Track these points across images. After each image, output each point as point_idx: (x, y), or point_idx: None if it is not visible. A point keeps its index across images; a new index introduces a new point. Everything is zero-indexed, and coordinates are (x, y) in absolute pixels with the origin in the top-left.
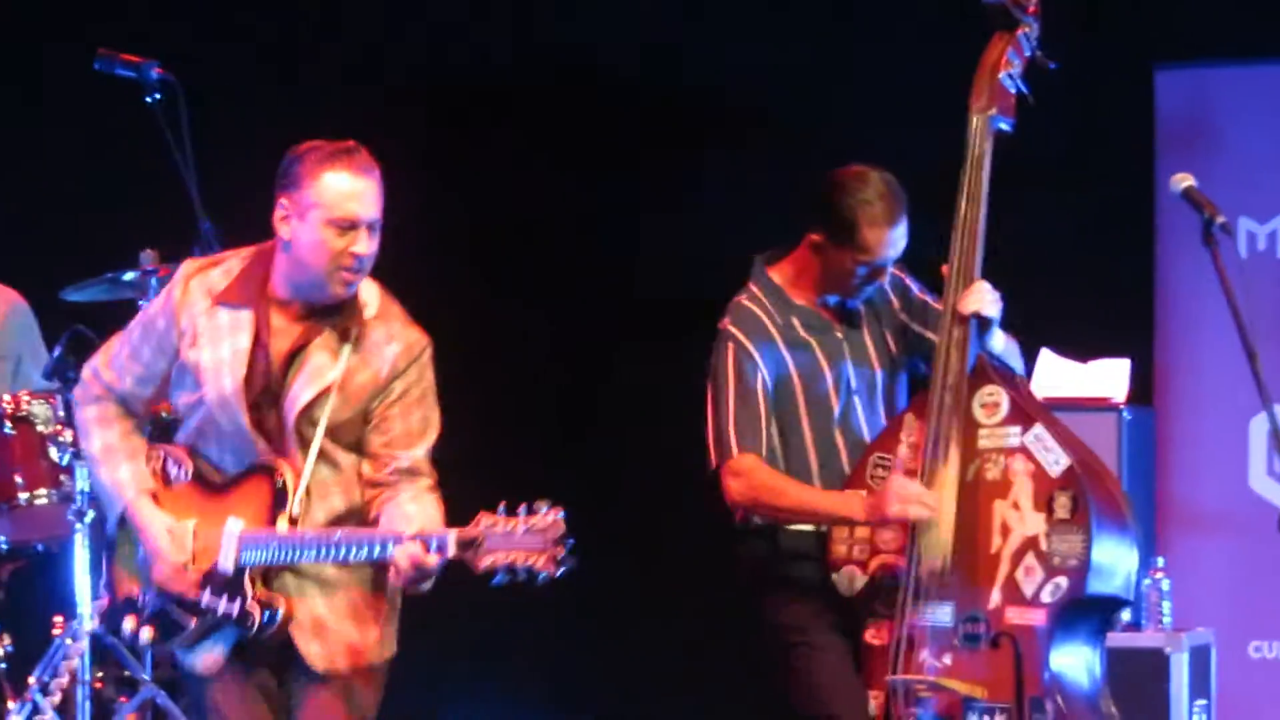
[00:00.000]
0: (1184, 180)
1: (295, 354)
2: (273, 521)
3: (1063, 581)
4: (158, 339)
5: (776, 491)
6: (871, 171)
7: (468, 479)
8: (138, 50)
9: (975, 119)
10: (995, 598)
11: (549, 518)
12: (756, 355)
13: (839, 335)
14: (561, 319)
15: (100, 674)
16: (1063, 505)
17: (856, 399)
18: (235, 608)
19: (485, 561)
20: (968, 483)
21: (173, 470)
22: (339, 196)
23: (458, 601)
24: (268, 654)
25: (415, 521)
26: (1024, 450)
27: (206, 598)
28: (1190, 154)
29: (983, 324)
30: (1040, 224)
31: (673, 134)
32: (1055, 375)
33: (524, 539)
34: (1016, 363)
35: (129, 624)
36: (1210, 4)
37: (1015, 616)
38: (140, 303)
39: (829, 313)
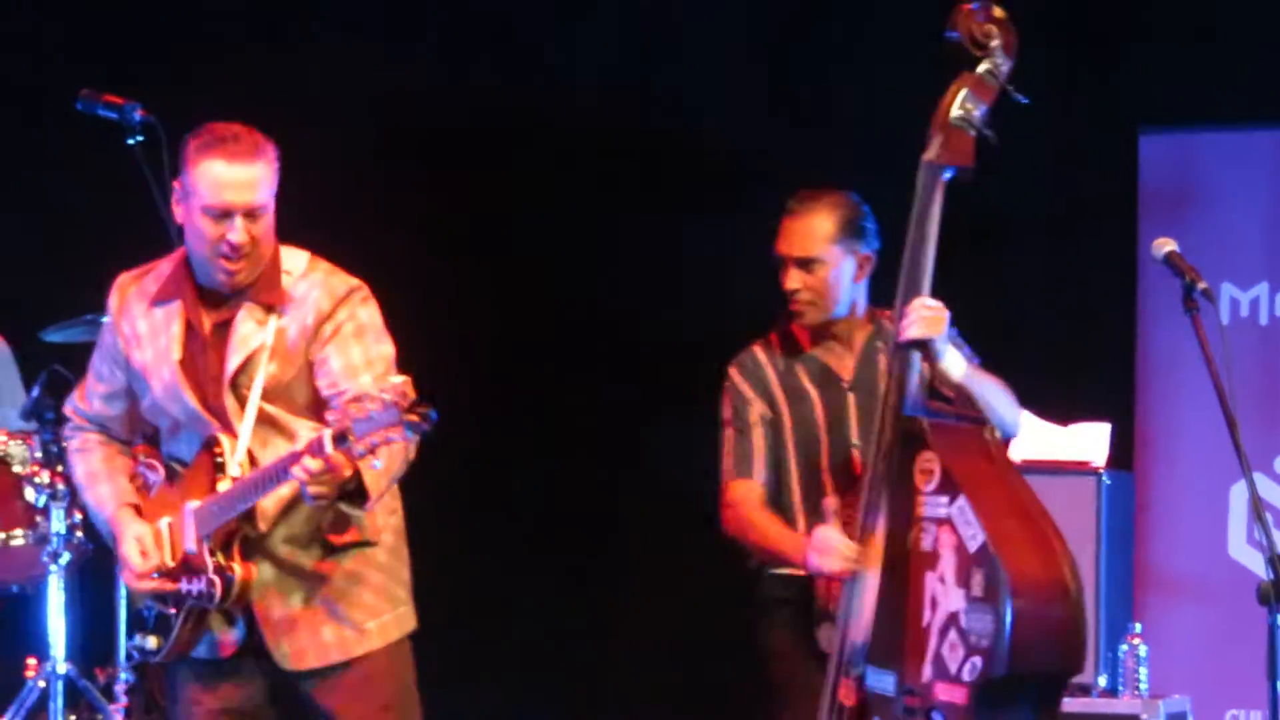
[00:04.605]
0: (1165, 245)
1: (223, 329)
2: (214, 489)
3: (978, 661)
4: (108, 352)
5: (751, 524)
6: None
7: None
8: (119, 91)
9: (921, 168)
10: (927, 672)
11: (398, 388)
12: (750, 394)
13: (845, 386)
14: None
15: (73, 718)
16: (977, 582)
17: (855, 452)
18: (201, 584)
19: (359, 448)
20: (905, 551)
21: (150, 477)
22: (212, 184)
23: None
24: (256, 666)
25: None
26: (950, 522)
27: (183, 585)
28: (1173, 218)
29: (922, 349)
30: (1022, 286)
31: (658, 185)
32: (1035, 438)
33: (384, 415)
34: (998, 399)
35: (138, 640)
36: (1195, 68)
37: (943, 693)
38: None
39: (841, 364)
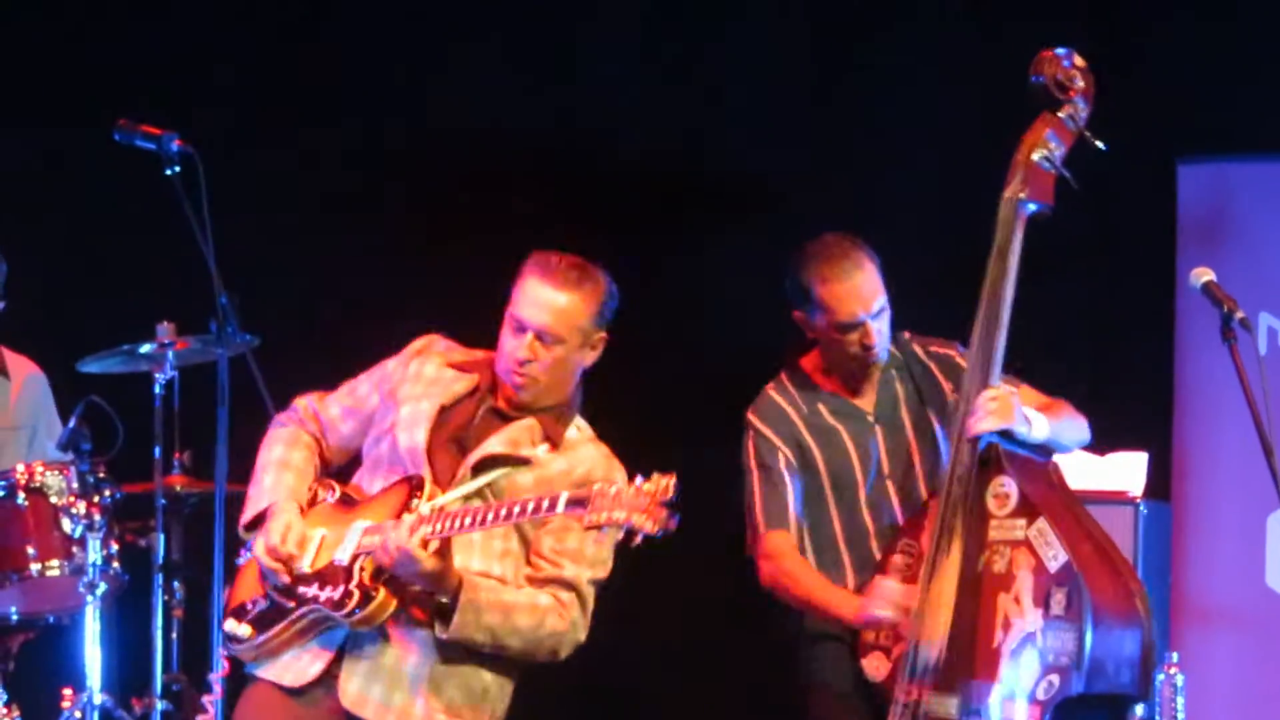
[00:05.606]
0: (1203, 275)
1: (502, 419)
2: (399, 516)
3: (1055, 679)
4: (381, 376)
5: (793, 578)
6: (826, 235)
7: None
8: (158, 120)
9: (1004, 204)
10: (996, 693)
11: (660, 482)
12: (776, 441)
13: (870, 419)
14: None
15: None
16: (1058, 601)
17: (890, 484)
18: (338, 593)
19: (589, 519)
20: (976, 574)
21: (322, 494)
22: (520, 296)
23: None
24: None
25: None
26: (1028, 544)
27: (313, 589)
28: (1211, 247)
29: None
30: (1060, 316)
31: (693, 218)
32: (1071, 467)
33: (630, 500)
34: (1072, 431)
35: (231, 625)
36: (1233, 98)
37: (1014, 713)
38: (156, 375)
39: (860, 398)
